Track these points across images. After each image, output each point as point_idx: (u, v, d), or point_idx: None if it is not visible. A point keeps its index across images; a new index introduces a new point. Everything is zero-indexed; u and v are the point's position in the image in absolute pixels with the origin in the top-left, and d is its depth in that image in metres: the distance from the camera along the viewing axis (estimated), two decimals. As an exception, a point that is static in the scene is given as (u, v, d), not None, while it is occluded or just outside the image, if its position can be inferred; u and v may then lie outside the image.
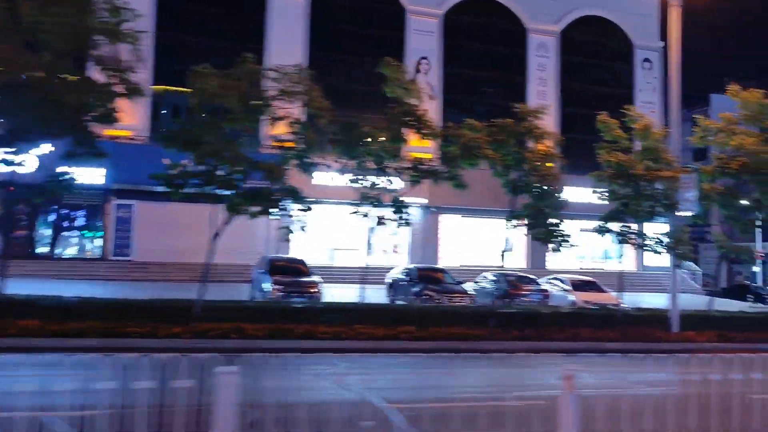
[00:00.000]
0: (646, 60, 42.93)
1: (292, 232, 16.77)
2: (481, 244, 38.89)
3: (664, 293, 40.22)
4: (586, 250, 38.76)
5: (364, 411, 6.96)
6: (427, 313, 17.92)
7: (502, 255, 20.78)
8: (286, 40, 34.77)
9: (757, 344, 19.56)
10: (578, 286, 23.65)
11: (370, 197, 18.06)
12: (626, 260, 43.35)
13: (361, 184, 18.07)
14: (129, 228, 31.94)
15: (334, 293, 23.62)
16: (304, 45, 35.31)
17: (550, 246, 18.98)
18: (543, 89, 39.88)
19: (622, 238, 20.21)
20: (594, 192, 20.67)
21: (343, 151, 17.65)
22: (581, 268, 39.44)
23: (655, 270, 40.23)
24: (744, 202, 22.34)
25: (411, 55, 37.48)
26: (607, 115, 20.40)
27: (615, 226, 20.50)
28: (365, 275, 19.15)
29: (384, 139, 17.38)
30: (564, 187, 19.38)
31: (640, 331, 19.30)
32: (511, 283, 22.98)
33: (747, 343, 19.72)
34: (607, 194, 20.03)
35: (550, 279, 25.45)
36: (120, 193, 31.44)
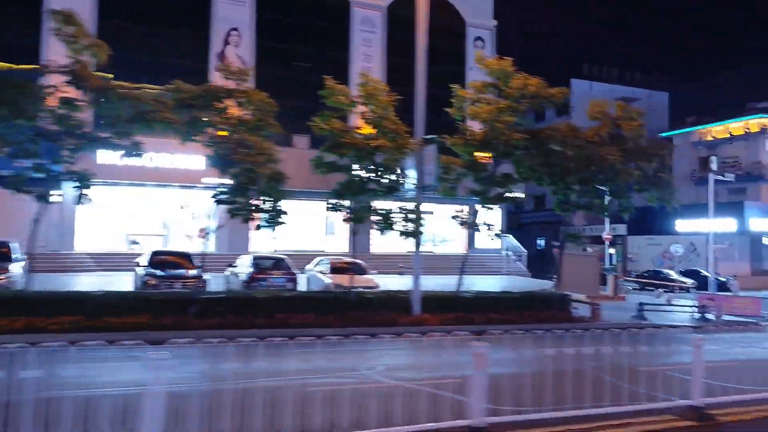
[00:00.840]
0: (479, 38, 41.99)
1: None
2: (303, 229, 37.16)
3: (494, 275, 39.93)
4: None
5: None
6: (100, 302, 15.64)
7: (207, 237, 18.81)
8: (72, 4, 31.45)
9: (496, 325, 18.59)
10: (337, 269, 22.03)
11: (43, 168, 15.63)
12: (459, 242, 42.56)
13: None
14: None
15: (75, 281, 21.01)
16: (92, 12, 32.11)
17: (253, 224, 17.11)
18: (368, 65, 38.16)
19: (355, 215, 18.60)
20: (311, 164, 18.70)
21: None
22: (409, 251, 38.18)
23: (482, 252, 39.56)
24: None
25: (219, 25, 34.93)
26: (334, 80, 18.60)
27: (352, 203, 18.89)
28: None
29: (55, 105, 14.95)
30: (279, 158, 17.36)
31: (369, 316, 17.88)
32: (258, 268, 21.09)
33: (488, 324, 18.73)
34: (324, 168, 18.16)
35: (321, 261, 23.78)
36: None
